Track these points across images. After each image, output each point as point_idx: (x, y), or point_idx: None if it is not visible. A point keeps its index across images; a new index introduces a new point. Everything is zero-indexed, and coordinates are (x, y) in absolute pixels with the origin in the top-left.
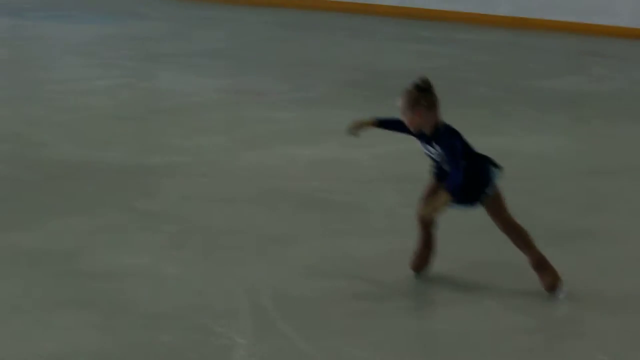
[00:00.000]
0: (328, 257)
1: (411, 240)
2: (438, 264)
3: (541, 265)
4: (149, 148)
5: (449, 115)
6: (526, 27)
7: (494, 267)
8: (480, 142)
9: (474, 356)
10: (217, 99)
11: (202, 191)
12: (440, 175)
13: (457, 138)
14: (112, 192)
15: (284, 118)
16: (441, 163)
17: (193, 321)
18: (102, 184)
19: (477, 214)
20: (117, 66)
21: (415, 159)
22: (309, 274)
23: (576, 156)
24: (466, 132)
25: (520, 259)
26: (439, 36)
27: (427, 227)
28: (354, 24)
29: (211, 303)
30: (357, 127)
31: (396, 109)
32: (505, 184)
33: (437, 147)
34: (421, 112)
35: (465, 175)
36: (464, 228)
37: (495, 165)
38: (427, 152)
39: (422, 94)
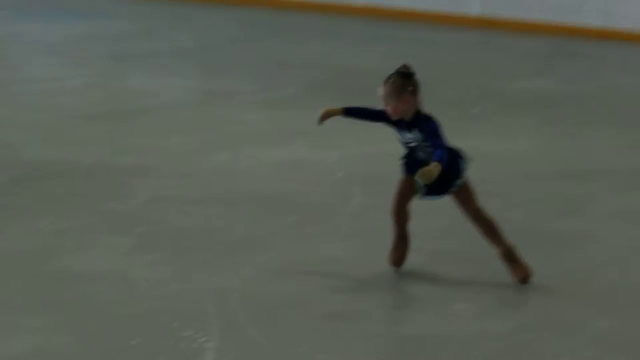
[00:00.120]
0: (298, 259)
1: (381, 241)
2: (413, 258)
3: (511, 256)
4: (118, 149)
5: None
6: (496, 27)
7: (469, 260)
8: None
9: None
10: (187, 99)
11: (172, 193)
12: (411, 166)
13: (437, 123)
14: (81, 193)
15: (253, 119)
16: (417, 149)
17: (162, 324)
18: (71, 185)
19: (453, 210)
20: (86, 66)
21: (384, 160)
22: (278, 277)
23: (547, 158)
24: None
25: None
26: (407, 36)
27: (401, 222)
28: (323, 24)
29: (180, 306)
30: (326, 117)
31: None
32: (476, 187)
33: (417, 132)
34: (407, 99)
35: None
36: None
37: (464, 157)
38: (403, 139)
39: (407, 81)
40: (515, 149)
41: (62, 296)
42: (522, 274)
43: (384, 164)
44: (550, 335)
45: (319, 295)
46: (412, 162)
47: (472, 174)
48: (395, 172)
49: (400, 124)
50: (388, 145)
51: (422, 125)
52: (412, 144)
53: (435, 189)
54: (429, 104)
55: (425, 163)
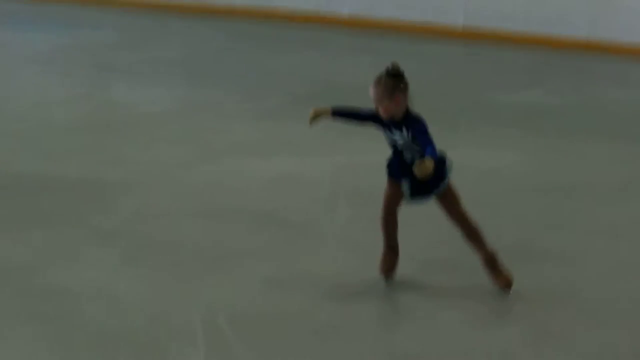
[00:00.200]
0: (285, 273)
1: (368, 254)
2: (403, 268)
3: (493, 263)
4: (104, 161)
5: None
6: (481, 38)
7: (460, 269)
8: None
9: None
10: (172, 110)
11: (158, 206)
12: (397, 170)
13: (426, 123)
14: (66, 206)
15: (239, 130)
16: (404, 149)
17: (148, 339)
18: (56, 198)
19: (442, 219)
20: (72, 76)
21: (370, 173)
22: (265, 292)
23: (531, 172)
24: None
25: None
26: (393, 47)
27: (390, 231)
28: (308, 35)
29: (166, 321)
30: (315, 117)
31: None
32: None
33: (406, 131)
34: (399, 98)
35: None
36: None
37: (448, 160)
38: (392, 138)
39: (398, 80)
40: (501, 162)
41: (47, 310)
42: (503, 281)
43: (370, 177)
44: (539, 348)
45: (307, 309)
46: (397, 165)
47: (458, 186)
48: (381, 185)
49: (389, 124)
50: (374, 157)
51: (412, 124)
52: (400, 143)
53: (420, 191)
54: None
55: (411, 164)
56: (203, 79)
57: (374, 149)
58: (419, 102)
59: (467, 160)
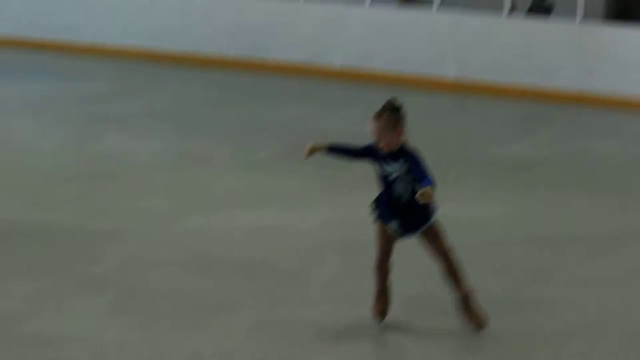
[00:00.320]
0: (272, 323)
1: (355, 306)
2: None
3: (468, 302)
4: (92, 211)
5: None
6: (472, 90)
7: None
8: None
9: None
10: (161, 161)
11: (145, 256)
12: (384, 210)
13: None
14: (54, 255)
15: (228, 182)
16: (397, 181)
17: None
18: (44, 246)
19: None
20: (62, 126)
21: (358, 226)
22: (254, 338)
23: (522, 224)
24: None
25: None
26: (384, 99)
27: (383, 276)
28: (300, 87)
29: None
30: (311, 152)
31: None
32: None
33: (402, 163)
34: (400, 131)
35: (414, 202)
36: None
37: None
38: (386, 170)
39: (399, 114)
40: (490, 214)
41: (34, 358)
42: (478, 321)
43: (358, 230)
44: None
45: (298, 353)
46: (386, 204)
47: (447, 237)
48: (369, 236)
49: (384, 157)
50: (361, 211)
51: (409, 156)
52: (394, 175)
53: (410, 228)
54: None
55: (399, 199)
56: (193, 130)
57: (362, 202)
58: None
59: (457, 211)
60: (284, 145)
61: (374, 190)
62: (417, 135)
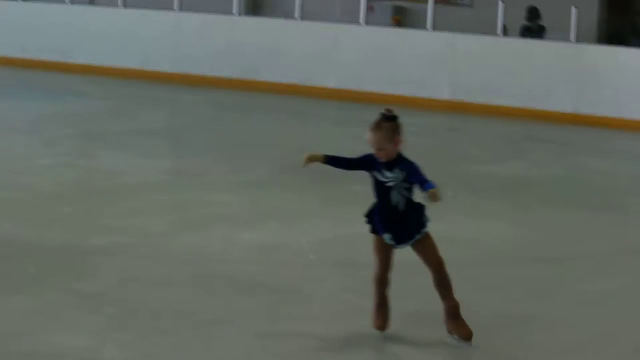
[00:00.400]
0: (270, 341)
1: (353, 323)
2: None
3: (457, 313)
4: (89, 229)
5: None
6: (466, 111)
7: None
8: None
9: None
10: (157, 180)
11: (142, 274)
12: (379, 222)
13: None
14: (51, 273)
15: (223, 200)
16: (393, 190)
17: None
18: (41, 264)
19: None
20: (57, 145)
21: (355, 244)
22: (253, 355)
23: (515, 243)
24: None
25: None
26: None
27: (384, 289)
28: (293, 106)
29: None
30: (309, 161)
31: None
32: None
33: (398, 172)
34: (398, 140)
35: (409, 212)
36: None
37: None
38: (381, 180)
39: (396, 123)
40: (484, 233)
41: None
42: (464, 333)
43: (356, 246)
44: None
45: None
46: (380, 215)
47: (444, 257)
48: (367, 254)
49: (380, 166)
50: (359, 229)
51: (406, 164)
52: (391, 184)
53: (404, 236)
54: None
55: (396, 208)
56: (189, 149)
57: (359, 219)
58: None
59: (452, 231)
60: (279, 164)
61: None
62: (412, 155)
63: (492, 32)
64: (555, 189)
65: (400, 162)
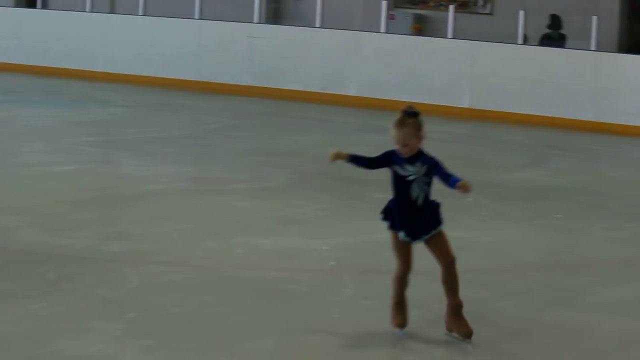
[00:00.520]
0: (290, 347)
1: (373, 329)
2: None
3: (460, 311)
4: (110, 235)
5: None
6: (487, 119)
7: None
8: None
9: None
10: (178, 186)
11: (163, 280)
12: (397, 217)
13: None
14: (72, 278)
15: (245, 207)
16: (413, 183)
17: None
18: (63, 270)
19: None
20: (79, 152)
21: (375, 250)
22: None
23: (537, 250)
24: None
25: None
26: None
27: (403, 288)
28: (313, 114)
29: None
30: (334, 158)
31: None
32: (468, 277)
33: (419, 165)
34: (422, 135)
35: (426, 207)
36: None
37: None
38: (402, 174)
39: (419, 118)
40: (505, 240)
41: None
42: (465, 331)
43: (376, 254)
44: None
45: None
46: (397, 211)
47: (462, 263)
48: (385, 262)
49: (405, 160)
50: (380, 236)
51: (427, 159)
52: (412, 178)
53: (420, 231)
54: None
55: (415, 202)
56: (208, 156)
57: (378, 227)
58: None
59: (473, 238)
60: (299, 172)
61: None
62: None
63: (512, 40)
64: (575, 197)
65: (421, 156)
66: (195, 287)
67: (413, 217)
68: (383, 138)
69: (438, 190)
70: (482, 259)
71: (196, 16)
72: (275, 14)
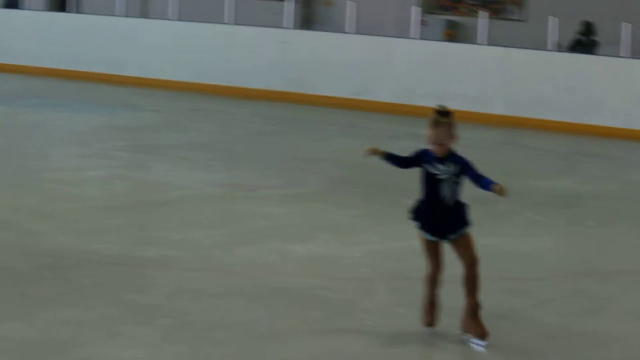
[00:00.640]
0: (322, 354)
1: (407, 337)
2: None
3: (477, 312)
4: (142, 240)
5: None
6: (519, 126)
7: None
8: (476, 242)
9: None
10: (210, 192)
11: (195, 285)
12: (425, 217)
13: None
14: (105, 284)
15: (277, 213)
16: (444, 182)
17: None
18: (95, 275)
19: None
20: (110, 157)
21: (408, 257)
22: None
23: (569, 258)
24: None
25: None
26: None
27: (435, 288)
28: (347, 120)
29: None
30: (369, 153)
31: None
32: (501, 285)
33: (450, 165)
34: (455, 134)
35: (455, 207)
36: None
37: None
38: (433, 172)
39: (452, 118)
40: (538, 248)
41: None
42: (481, 331)
43: (408, 261)
44: None
45: None
46: (425, 210)
47: (495, 270)
48: (418, 268)
49: (437, 160)
50: (411, 242)
51: (458, 158)
52: (442, 176)
53: (447, 230)
54: None
55: (443, 200)
56: (240, 162)
57: (410, 233)
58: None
59: (505, 245)
60: (331, 178)
61: None
62: None
63: (545, 46)
64: (608, 204)
65: (452, 156)
66: (227, 293)
67: (441, 216)
68: (415, 145)
69: (473, 196)
70: (514, 267)
71: (228, 21)
72: (306, 20)
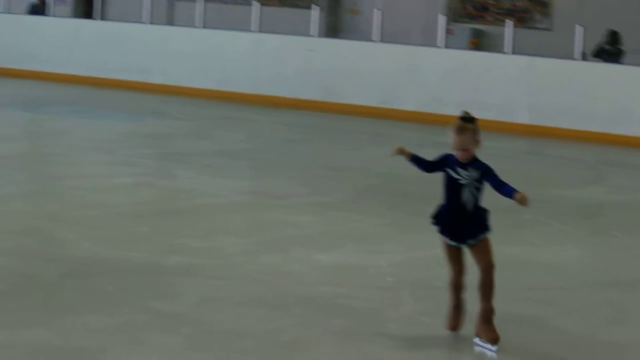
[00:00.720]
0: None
1: (432, 346)
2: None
3: (490, 317)
4: (168, 248)
5: None
6: (545, 135)
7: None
8: (501, 252)
9: None
10: (236, 200)
11: (220, 294)
12: (447, 221)
13: None
14: (129, 291)
15: (302, 222)
16: (465, 188)
17: None
18: (119, 282)
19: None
20: (136, 164)
21: (433, 266)
22: None
23: (596, 267)
24: None
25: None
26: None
27: (459, 292)
28: (371, 128)
29: None
30: (397, 152)
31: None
32: (526, 294)
33: (472, 171)
34: (479, 140)
35: (475, 212)
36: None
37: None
38: (455, 177)
39: (476, 124)
40: (564, 257)
41: None
42: (492, 336)
43: (433, 270)
44: None
45: None
46: (446, 216)
47: (521, 280)
48: (443, 277)
49: (455, 165)
50: (436, 251)
51: (481, 165)
52: (464, 182)
53: (466, 234)
54: None
55: (464, 206)
56: (267, 170)
57: (436, 242)
58: (485, 197)
59: (531, 255)
60: (357, 186)
61: None
62: None
63: (571, 55)
64: (633, 214)
65: (474, 162)
66: (252, 301)
67: (461, 220)
68: (440, 152)
69: (498, 205)
70: (538, 276)
71: (254, 29)
72: (332, 28)
